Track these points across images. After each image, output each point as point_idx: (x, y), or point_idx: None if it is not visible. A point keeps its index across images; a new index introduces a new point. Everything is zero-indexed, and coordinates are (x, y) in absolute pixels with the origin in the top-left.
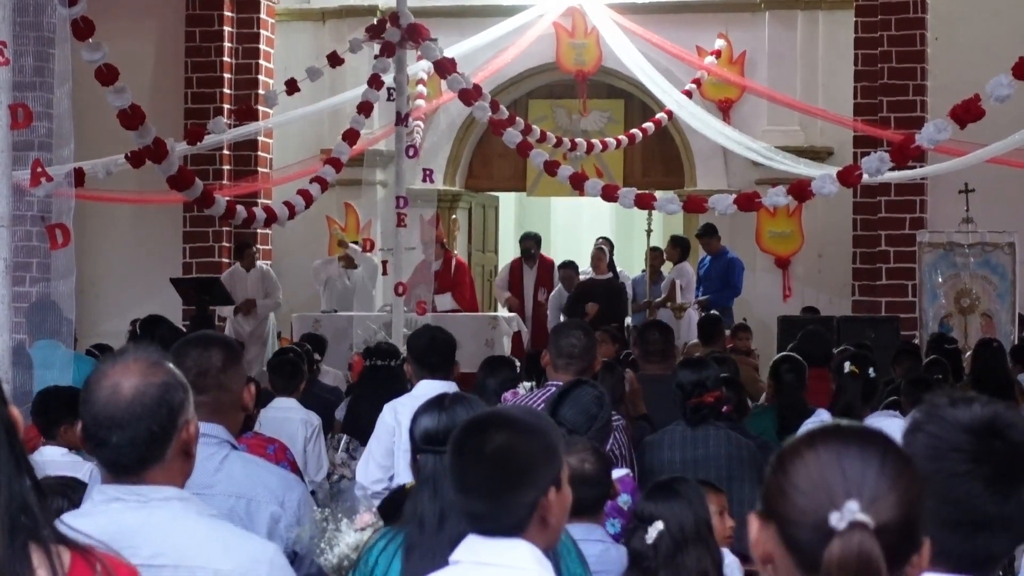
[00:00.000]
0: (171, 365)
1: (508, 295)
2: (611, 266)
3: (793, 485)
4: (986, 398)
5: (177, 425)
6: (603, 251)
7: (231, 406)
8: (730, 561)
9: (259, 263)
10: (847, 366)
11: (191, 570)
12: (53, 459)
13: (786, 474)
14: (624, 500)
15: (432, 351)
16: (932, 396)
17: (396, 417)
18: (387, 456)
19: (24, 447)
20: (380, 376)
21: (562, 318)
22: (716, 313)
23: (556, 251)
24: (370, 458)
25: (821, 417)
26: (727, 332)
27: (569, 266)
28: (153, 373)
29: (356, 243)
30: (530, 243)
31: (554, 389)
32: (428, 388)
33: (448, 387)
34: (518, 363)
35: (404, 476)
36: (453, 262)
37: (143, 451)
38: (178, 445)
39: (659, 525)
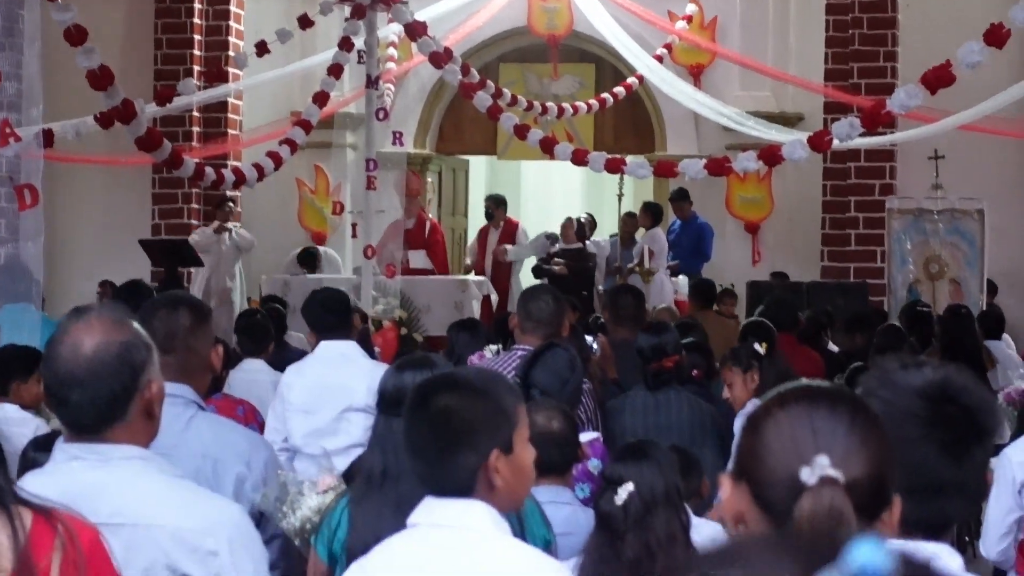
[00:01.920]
0: (135, 324)
1: (468, 262)
2: (580, 234)
3: (764, 445)
4: (937, 362)
5: (139, 384)
6: (571, 221)
7: (198, 367)
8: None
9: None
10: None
11: (150, 528)
12: (6, 416)
13: (757, 434)
14: (595, 464)
15: (324, 312)
16: (883, 361)
17: (285, 379)
18: (277, 419)
19: None
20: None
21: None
22: (709, 279)
23: (526, 215)
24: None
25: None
26: None
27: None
28: (115, 331)
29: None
30: (488, 203)
31: (521, 352)
32: (328, 349)
33: (348, 346)
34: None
35: (293, 437)
36: (428, 223)
37: (103, 410)
38: (140, 405)
39: (629, 486)
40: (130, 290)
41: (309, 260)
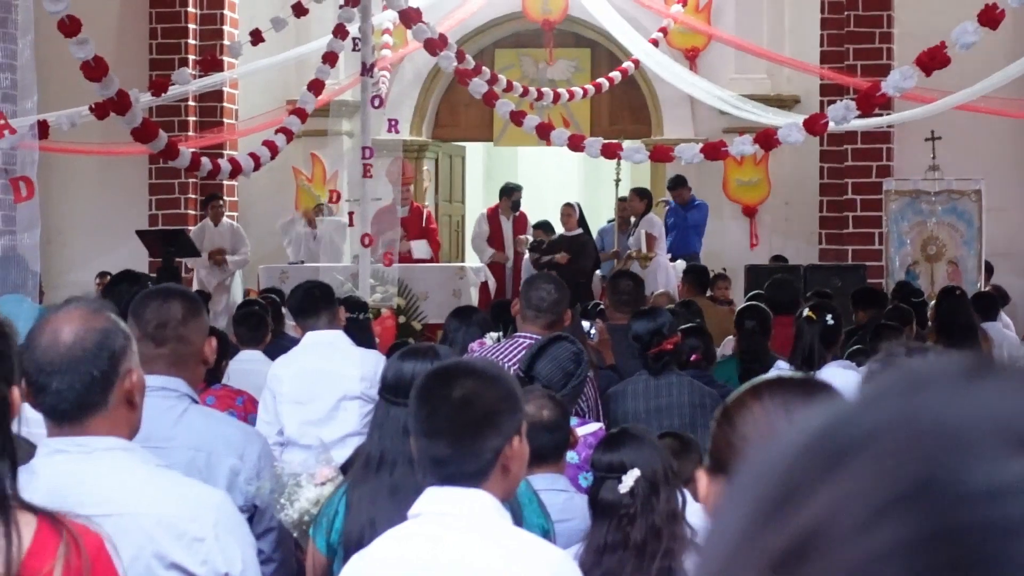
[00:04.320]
0: (112, 314)
1: (492, 251)
2: (582, 222)
3: (741, 436)
4: (941, 348)
5: (119, 371)
6: (572, 207)
7: (191, 359)
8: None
9: (227, 219)
10: (805, 311)
11: (135, 517)
12: (26, 417)
13: (733, 426)
14: (597, 451)
15: (309, 301)
16: (889, 345)
17: (273, 370)
18: (268, 412)
19: (10, 426)
20: (347, 329)
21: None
22: (703, 265)
23: (523, 200)
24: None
25: (779, 367)
26: None
27: (541, 227)
28: (93, 319)
29: (322, 203)
30: (519, 194)
31: (523, 340)
32: (315, 337)
33: (335, 335)
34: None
35: (288, 428)
36: (424, 212)
37: (83, 396)
38: (120, 393)
39: (636, 472)
40: (124, 279)
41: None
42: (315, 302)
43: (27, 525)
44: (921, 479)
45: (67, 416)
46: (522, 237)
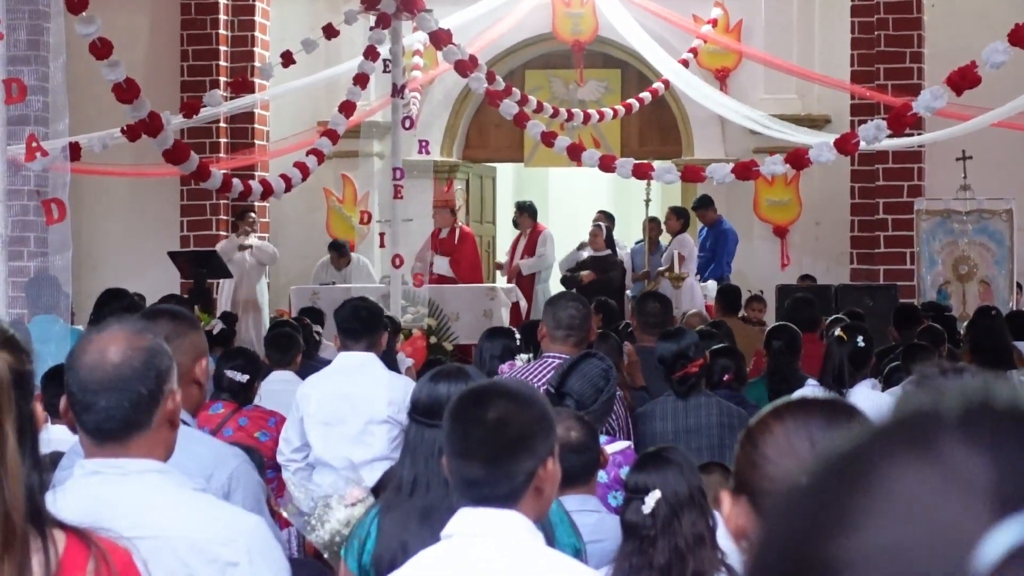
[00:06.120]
0: (156, 336)
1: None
2: (609, 242)
3: (763, 455)
4: (976, 368)
5: (164, 391)
6: (600, 227)
7: (178, 380)
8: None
9: (254, 237)
10: (836, 332)
11: (169, 540)
12: (62, 438)
13: (755, 446)
14: (627, 472)
15: (353, 320)
16: (923, 367)
17: (302, 390)
18: (290, 429)
19: (38, 442)
20: None
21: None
22: (735, 285)
23: (554, 221)
24: (284, 434)
25: (810, 385)
26: None
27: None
28: (139, 339)
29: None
30: (515, 210)
31: (553, 361)
32: (346, 359)
33: (367, 357)
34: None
35: (316, 448)
36: (458, 231)
37: (130, 414)
38: (164, 413)
39: (656, 493)
40: (107, 298)
41: (339, 248)
42: (359, 323)
43: (57, 541)
44: None
45: (112, 435)
46: (515, 265)
